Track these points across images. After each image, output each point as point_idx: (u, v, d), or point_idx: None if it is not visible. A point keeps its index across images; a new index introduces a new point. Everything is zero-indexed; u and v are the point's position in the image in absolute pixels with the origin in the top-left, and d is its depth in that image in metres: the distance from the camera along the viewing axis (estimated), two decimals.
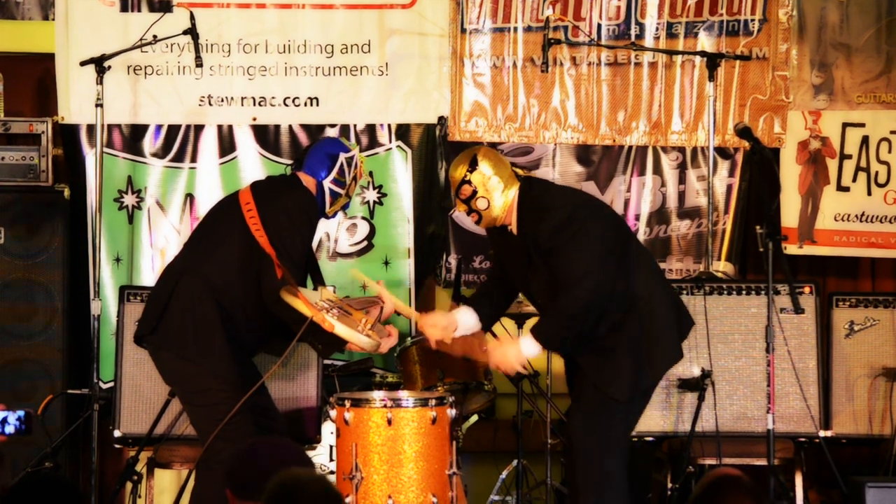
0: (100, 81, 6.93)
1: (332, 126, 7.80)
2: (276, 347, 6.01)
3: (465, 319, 6.07)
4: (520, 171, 5.97)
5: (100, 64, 6.93)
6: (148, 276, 7.60)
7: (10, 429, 4.23)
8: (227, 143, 7.80)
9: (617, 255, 5.78)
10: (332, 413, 5.96)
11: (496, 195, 5.83)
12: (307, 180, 6.02)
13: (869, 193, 7.87)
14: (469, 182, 5.85)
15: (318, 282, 6.09)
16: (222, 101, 7.77)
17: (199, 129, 7.79)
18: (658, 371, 5.92)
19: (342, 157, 6.06)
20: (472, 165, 5.85)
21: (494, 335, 6.22)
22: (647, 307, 5.79)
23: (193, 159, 7.78)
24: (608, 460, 5.75)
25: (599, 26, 7.82)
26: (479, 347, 6.58)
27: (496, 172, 5.84)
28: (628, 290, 5.77)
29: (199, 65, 7.07)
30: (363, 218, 7.81)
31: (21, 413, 4.24)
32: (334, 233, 7.78)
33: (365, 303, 6.08)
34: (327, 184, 6.02)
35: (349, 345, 5.75)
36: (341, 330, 5.66)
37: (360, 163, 6.15)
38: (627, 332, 5.77)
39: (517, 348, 5.81)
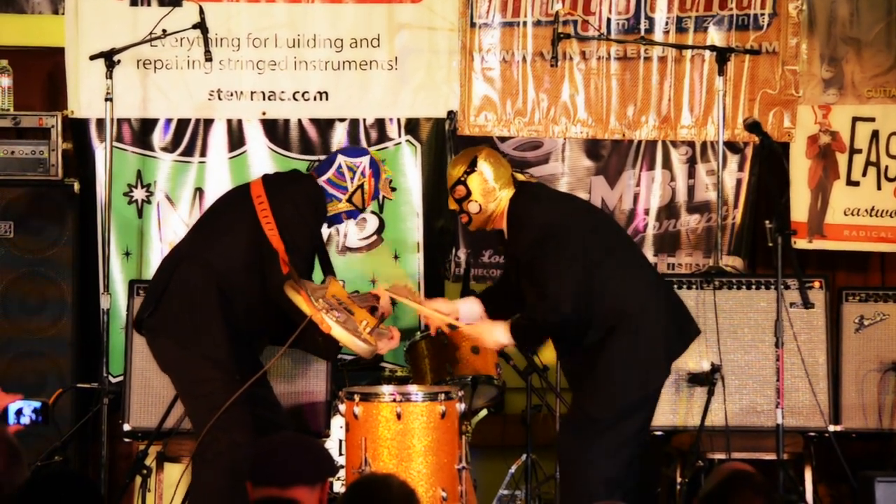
0: (109, 76, 6.95)
1: (342, 120, 7.80)
2: (278, 342, 6.01)
3: (467, 309, 6.04)
4: (520, 177, 5.92)
5: (109, 58, 6.94)
6: None
7: (25, 419, 4.25)
8: (236, 138, 7.81)
9: (606, 268, 5.66)
10: (342, 407, 5.97)
11: (489, 201, 5.78)
12: (314, 177, 6.07)
13: (879, 188, 7.85)
14: (464, 183, 5.80)
15: (328, 272, 6.08)
16: (232, 95, 7.77)
17: (208, 123, 7.79)
18: (642, 390, 5.69)
19: (341, 159, 6.07)
20: (472, 167, 5.80)
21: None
22: (635, 322, 5.63)
23: (203, 153, 7.79)
24: (592, 485, 5.57)
25: (609, 21, 7.81)
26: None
27: (494, 177, 5.79)
28: (617, 303, 5.64)
29: (209, 59, 7.08)
30: (372, 212, 7.81)
31: (37, 404, 4.26)
32: (343, 227, 7.78)
33: (372, 298, 6.09)
34: (322, 182, 6.03)
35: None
36: (338, 332, 5.67)
37: (374, 177, 6.08)
38: (612, 346, 5.62)
39: (493, 332, 5.78)
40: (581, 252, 5.62)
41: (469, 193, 5.80)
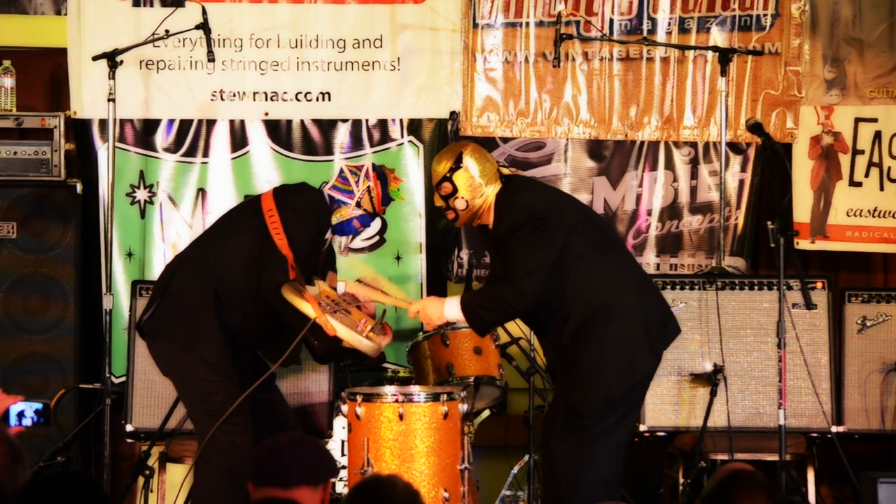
0: (112, 76, 6.95)
1: (344, 121, 7.80)
2: (275, 353, 6.00)
3: (455, 305, 5.98)
4: (505, 171, 5.89)
5: (112, 59, 6.95)
6: (160, 270, 7.58)
7: (27, 421, 4.25)
8: (238, 138, 7.81)
9: (587, 261, 5.63)
10: (344, 408, 5.97)
11: (476, 196, 5.74)
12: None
13: (881, 188, 7.85)
14: (450, 180, 5.75)
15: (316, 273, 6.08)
16: (234, 95, 7.78)
17: (210, 123, 7.80)
18: (628, 379, 5.62)
19: (342, 164, 6.10)
20: (457, 163, 5.75)
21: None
22: (615, 313, 5.58)
23: (205, 154, 7.79)
24: (592, 487, 5.53)
25: (611, 21, 7.81)
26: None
27: (480, 173, 5.74)
28: (596, 296, 5.59)
29: (211, 59, 7.08)
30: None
31: (39, 405, 4.26)
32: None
33: (352, 297, 6.09)
34: (327, 190, 6.05)
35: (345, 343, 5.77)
36: (344, 333, 5.68)
37: (380, 179, 6.07)
38: (594, 337, 5.57)
39: (441, 307, 5.75)
40: (560, 242, 5.58)
41: (455, 190, 5.76)
